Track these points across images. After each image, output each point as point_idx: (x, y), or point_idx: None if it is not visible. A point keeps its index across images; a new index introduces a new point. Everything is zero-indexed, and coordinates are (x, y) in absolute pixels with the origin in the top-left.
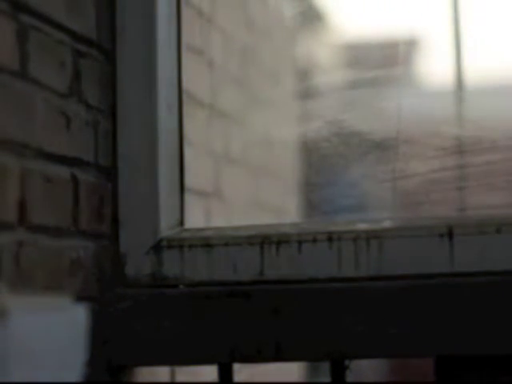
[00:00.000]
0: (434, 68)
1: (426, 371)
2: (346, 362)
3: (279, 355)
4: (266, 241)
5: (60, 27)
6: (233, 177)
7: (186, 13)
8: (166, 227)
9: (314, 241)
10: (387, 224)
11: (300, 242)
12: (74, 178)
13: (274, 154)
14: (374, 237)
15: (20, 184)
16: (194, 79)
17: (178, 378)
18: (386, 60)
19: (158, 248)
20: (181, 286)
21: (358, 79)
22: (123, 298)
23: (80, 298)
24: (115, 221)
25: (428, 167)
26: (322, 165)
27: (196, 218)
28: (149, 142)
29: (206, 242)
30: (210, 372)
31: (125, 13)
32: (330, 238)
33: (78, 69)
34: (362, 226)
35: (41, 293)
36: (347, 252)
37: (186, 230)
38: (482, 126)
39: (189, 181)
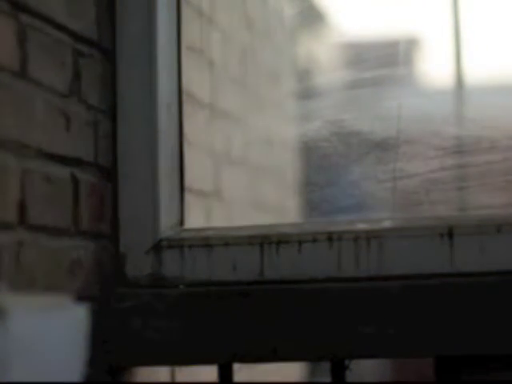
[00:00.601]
0: (434, 68)
1: (426, 371)
2: (346, 362)
3: (279, 355)
4: (266, 241)
5: (60, 27)
6: (233, 177)
7: (185, 13)
8: (166, 227)
9: (314, 241)
10: (387, 224)
11: (300, 242)
12: (74, 178)
13: (273, 154)
14: (374, 237)
15: (20, 184)
16: (194, 79)
17: (178, 378)
18: (386, 60)
19: (158, 248)
20: (181, 286)
21: (357, 79)
22: (123, 298)
23: (80, 298)
24: (115, 221)
25: (428, 167)
26: (322, 165)
27: (196, 218)
28: (149, 142)
29: (206, 242)
30: (210, 372)
31: (125, 13)
32: (330, 237)
33: (78, 69)
34: (362, 226)
35: (41, 293)
36: (347, 252)
37: (186, 230)
38: (482, 125)
39: (189, 181)
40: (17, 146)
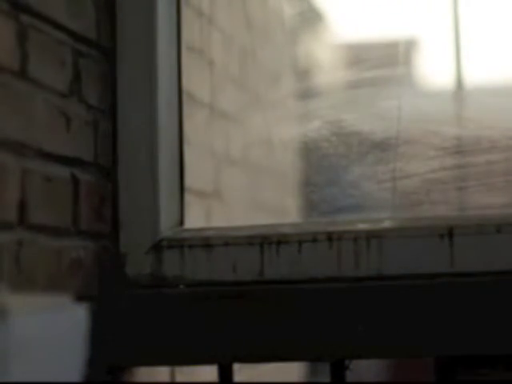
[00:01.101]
0: (434, 68)
1: (426, 371)
2: (346, 362)
3: (279, 355)
4: (266, 241)
5: (60, 27)
6: (233, 177)
7: (185, 13)
8: (166, 227)
9: (314, 241)
10: (387, 224)
11: (300, 242)
12: (74, 178)
13: (273, 154)
14: (373, 237)
15: (20, 184)
16: (194, 79)
17: (178, 378)
18: (386, 60)
19: (158, 248)
20: (181, 286)
21: (357, 79)
22: (123, 298)
23: (80, 297)
24: (115, 221)
25: (428, 167)
26: (322, 165)
27: (196, 218)
28: (149, 142)
29: (206, 242)
30: (210, 372)
31: (125, 13)
32: (330, 237)
33: (78, 69)
34: (362, 226)
35: (41, 293)
36: (347, 252)
37: (186, 230)
38: (482, 125)
39: (189, 181)
40: (17, 146)
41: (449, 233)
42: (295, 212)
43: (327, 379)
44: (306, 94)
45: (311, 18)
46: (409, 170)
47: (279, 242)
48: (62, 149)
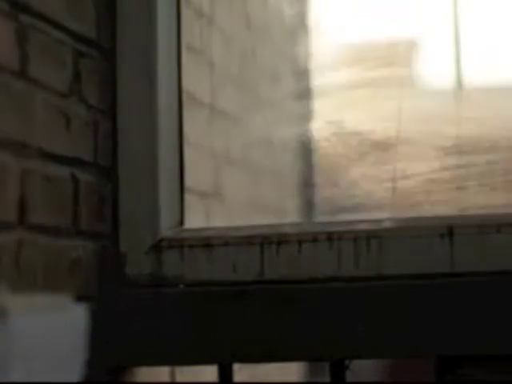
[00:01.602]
0: (434, 68)
1: (426, 371)
2: (346, 362)
3: (279, 355)
4: (266, 241)
5: (60, 27)
6: (233, 177)
7: (185, 13)
8: (166, 227)
9: (314, 241)
10: (387, 224)
11: (300, 242)
12: (74, 178)
13: (274, 154)
14: (374, 237)
15: (20, 184)
16: (194, 79)
17: (178, 378)
18: (386, 60)
19: (158, 248)
20: (181, 286)
21: (357, 79)
22: (123, 298)
23: (80, 297)
24: (115, 221)
25: (428, 167)
26: (322, 165)
27: (196, 218)
28: (149, 142)
29: (206, 242)
30: (210, 372)
31: (125, 13)
32: (330, 237)
33: (78, 69)
34: (362, 226)
35: (41, 293)
36: (347, 252)
37: (186, 230)
38: (482, 125)
39: (189, 181)
40: (17, 146)
41: (449, 233)
42: (295, 212)
43: (327, 379)
44: (306, 94)
45: (311, 17)
46: (409, 170)
47: (279, 242)
48: (62, 149)
